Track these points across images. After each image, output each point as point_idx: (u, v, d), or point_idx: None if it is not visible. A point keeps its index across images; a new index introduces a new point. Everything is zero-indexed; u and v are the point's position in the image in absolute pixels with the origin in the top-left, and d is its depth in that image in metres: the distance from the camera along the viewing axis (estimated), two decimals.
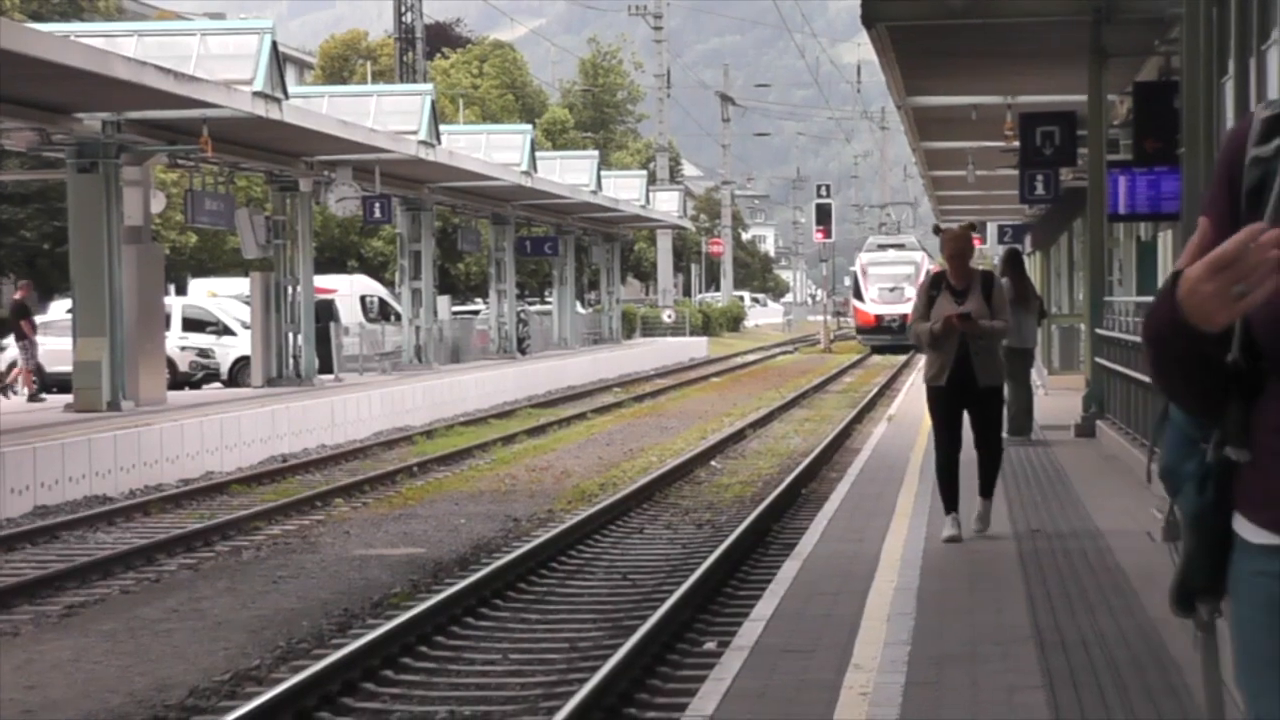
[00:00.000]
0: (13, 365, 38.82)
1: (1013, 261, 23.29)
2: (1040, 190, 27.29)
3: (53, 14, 53.52)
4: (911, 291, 60.10)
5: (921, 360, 15.91)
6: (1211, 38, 10.33)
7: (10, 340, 40.99)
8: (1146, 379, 13.30)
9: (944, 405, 13.52)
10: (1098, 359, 22.77)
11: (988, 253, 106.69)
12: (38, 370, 34.61)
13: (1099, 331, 22.93)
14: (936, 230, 13.94)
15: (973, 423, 13.60)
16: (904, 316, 61.74)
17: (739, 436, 31.74)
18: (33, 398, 32.71)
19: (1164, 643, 9.42)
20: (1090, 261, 24.41)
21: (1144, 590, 10.99)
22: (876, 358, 68.29)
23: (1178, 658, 9.05)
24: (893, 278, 74.50)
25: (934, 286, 13.51)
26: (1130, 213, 23.55)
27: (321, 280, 41.44)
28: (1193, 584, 3.51)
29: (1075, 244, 42.06)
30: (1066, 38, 22.39)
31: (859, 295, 76.04)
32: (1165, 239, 24.14)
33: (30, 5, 54.69)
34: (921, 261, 75.01)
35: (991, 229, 68.23)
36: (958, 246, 13.58)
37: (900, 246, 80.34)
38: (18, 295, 35.16)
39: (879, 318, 73.26)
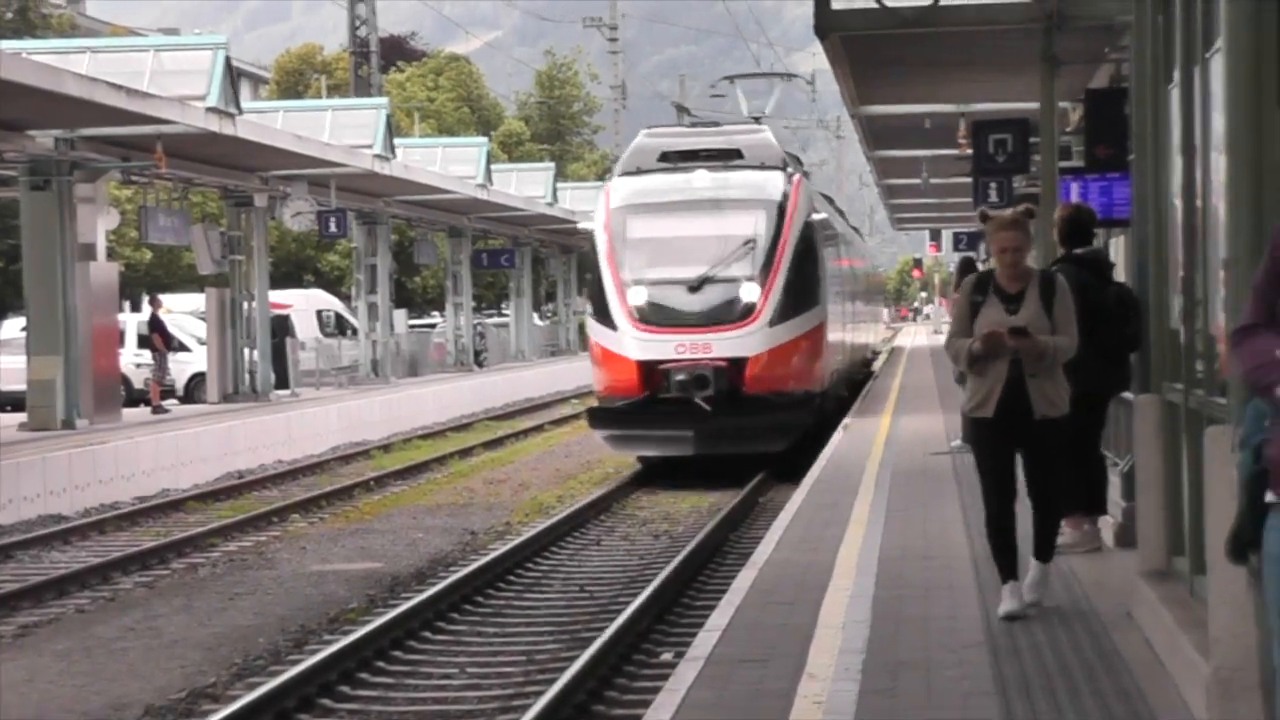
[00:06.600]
0: None
1: (968, 270, 23.41)
2: (994, 198, 27.38)
3: (4, 30, 53.30)
4: (755, 292, 25.85)
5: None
6: (1158, 46, 10.37)
7: None
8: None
9: (991, 444, 10.48)
10: None
11: (944, 259, 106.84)
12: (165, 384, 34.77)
13: None
14: (984, 218, 10.56)
15: (1025, 465, 10.61)
16: (728, 367, 25.33)
17: None
18: (156, 409, 32.50)
19: (1116, 647, 9.46)
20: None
21: (1096, 595, 11.03)
22: None
23: (1130, 661, 9.10)
24: (697, 247, 26.46)
25: (979, 290, 10.47)
26: None
27: (277, 295, 41.33)
28: (1243, 536, 4.82)
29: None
30: (1018, 46, 22.45)
31: (600, 306, 26.77)
32: (1117, 244, 24.19)
33: None
34: (792, 198, 27.10)
35: (947, 236, 68.38)
36: (1011, 238, 10.38)
37: (724, 158, 27.90)
38: (151, 309, 35.11)
39: (651, 370, 25.64)
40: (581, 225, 30.06)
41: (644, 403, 25.39)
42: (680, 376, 25.19)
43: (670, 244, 26.25)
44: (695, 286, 25.89)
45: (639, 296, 25.83)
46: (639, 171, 27.62)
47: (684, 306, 25.81)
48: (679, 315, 25.72)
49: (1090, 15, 21.36)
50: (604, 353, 26.23)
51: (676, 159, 27.60)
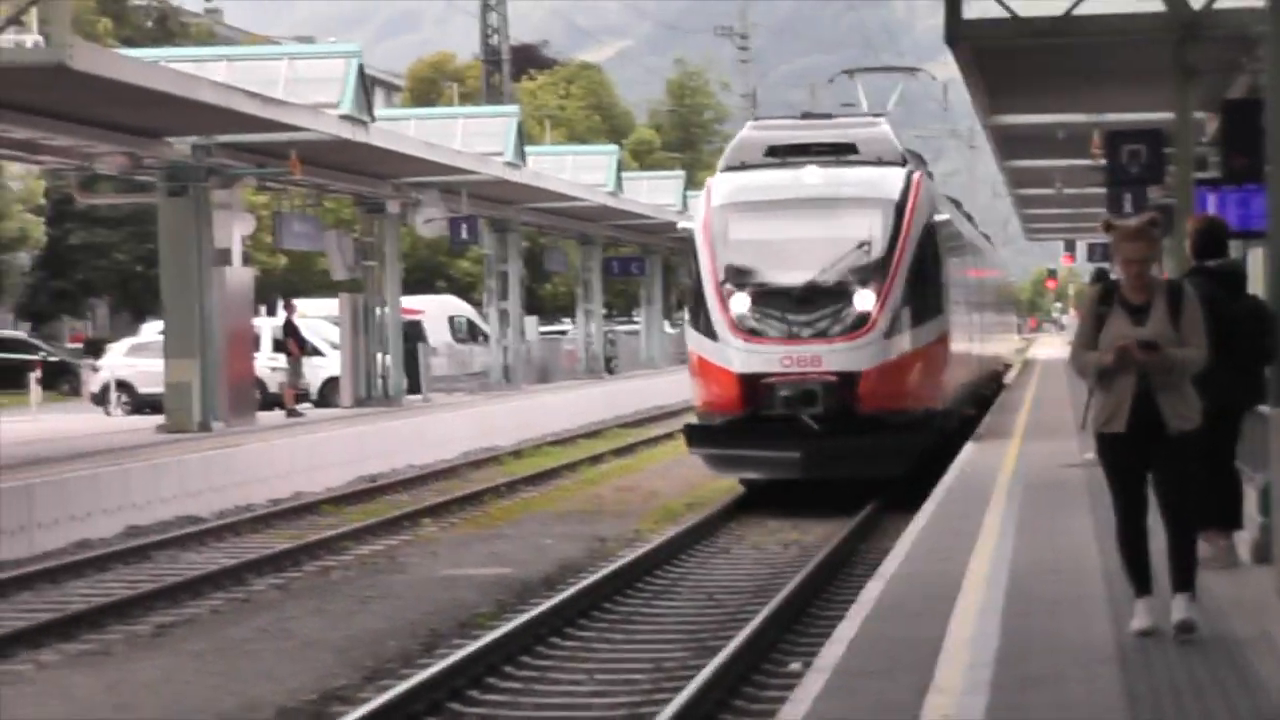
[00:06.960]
0: (106, 387, 39.28)
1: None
2: (1128, 209, 27.08)
3: (144, 39, 54.09)
4: (870, 300, 23.36)
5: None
6: None
7: (104, 361, 41.51)
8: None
9: (1122, 459, 10.09)
10: None
11: (1078, 270, 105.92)
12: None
13: None
14: (1108, 227, 10.19)
15: (1157, 482, 10.12)
16: (839, 382, 23.01)
17: None
18: (290, 413, 33.07)
19: (1252, 666, 9.34)
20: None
21: (1231, 612, 10.89)
22: None
23: (1265, 680, 8.98)
24: (805, 250, 23.84)
25: (1104, 301, 10.06)
26: None
27: (409, 301, 41.66)
28: None
29: (1165, 262, 41.73)
30: (1151, 55, 22.27)
31: (698, 313, 24.19)
32: (1255, 256, 23.92)
33: (123, 31, 55.31)
34: (911, 197, 24.22)
35: (1081, 247, 67.74)
36: (1137, 248, 9.97)
37: (836, 153, 25.11)
38: (286, 314, 35.64)
39: (754, 385, 23.13)
40: (681, 225, 26.69)
41: (746, 420, 23.01)
42: (786, 392, 22.76)
43: (776, 246, 23.66)
44: (803, 294, 23.27)
45: (741, 304, 23.32)
46: (743, 166, 24.81)
47: (791, 315, 23.22)
48: (785, 325, 23.20)
49: (1225, 25, 21.16)
50: (703, 364, 23.71)
51: (785, 153, 24.82)
